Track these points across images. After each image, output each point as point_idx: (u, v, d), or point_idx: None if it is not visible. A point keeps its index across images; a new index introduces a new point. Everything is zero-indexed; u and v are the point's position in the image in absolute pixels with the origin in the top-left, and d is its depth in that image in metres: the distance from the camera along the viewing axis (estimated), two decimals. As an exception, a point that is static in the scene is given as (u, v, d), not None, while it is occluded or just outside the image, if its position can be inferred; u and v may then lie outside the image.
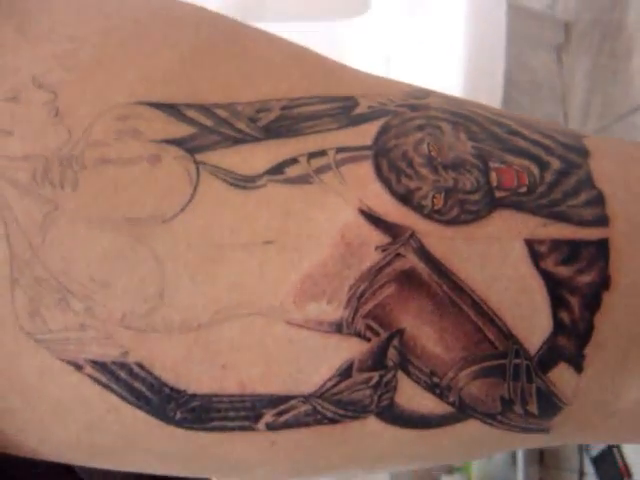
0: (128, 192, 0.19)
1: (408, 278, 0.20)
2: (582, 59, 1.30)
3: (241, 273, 0.19)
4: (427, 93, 0.23)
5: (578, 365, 0.21)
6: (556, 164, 0.22)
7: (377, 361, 0.20)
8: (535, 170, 0.22)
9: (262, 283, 0.19)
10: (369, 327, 0.20)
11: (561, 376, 0.21)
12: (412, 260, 0.20)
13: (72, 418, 0.20)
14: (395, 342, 0.20)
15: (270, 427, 0.20)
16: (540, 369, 0.21)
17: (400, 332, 0.20)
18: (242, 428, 0.20)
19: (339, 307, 0.19)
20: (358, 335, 0.20)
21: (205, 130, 0.19)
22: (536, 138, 0.23)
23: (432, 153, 0.21)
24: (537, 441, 0.24)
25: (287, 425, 0.20)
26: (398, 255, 0.20)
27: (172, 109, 0.19)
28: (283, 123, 0.20)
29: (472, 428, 0.21)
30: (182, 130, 0.19)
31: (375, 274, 0.19)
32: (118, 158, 0.19)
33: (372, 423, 0.20)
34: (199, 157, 0.19)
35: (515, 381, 0.21)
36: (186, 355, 0.19)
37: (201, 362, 0.19)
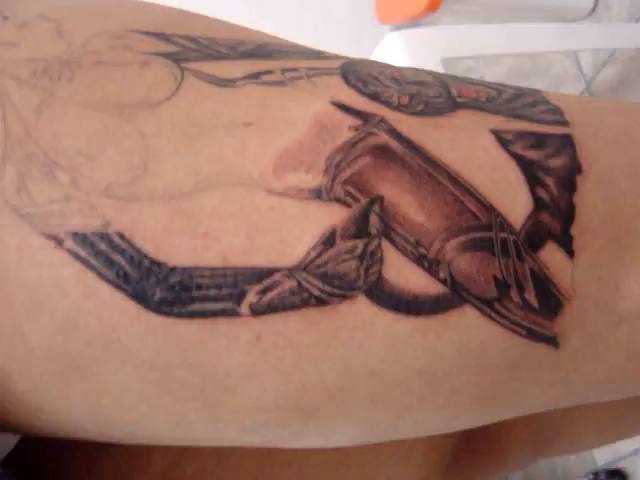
0: (118, 84, 0.20)
1: (382, 151, 0.20)
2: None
3: (222, 148, 0.20)
4: None
5: (567, 247, 0.21)
6: (511, 90, 0.24)
7: (360, 227, 0.20)
8: (492, 92, 0.24)
9: (242, 157, 0.20)
10: (348, 193, 0.20)
11: (553, 258, 0.21)
12: (384, 137, 0.21)
13: (47, 311, 0.19)
14: (376, 208, 0.20)
15: (255, 310, 0.19)
16: (529, 246, 0.20)
17: (380, 199, 0.20)
18: (225, 312, 0.19)
19: (317, 175, 0.20)
20: (338, 201, 0.20)
21: (189, 49, 0.22)
22: (490, 82, 0.25)
23: (395, 75, 0.23)
24: (548, 367, 0.22)
25: (272, 307, 0.19)
26: (370, 133, 0.21)
27: (160, 35, 0.22)
28: (258, 52, 0.23)
29: (470, 320, 0.20)
30: (169, 48, 0.22)
31: (350, 147, 0.20)
32: (111, 61, 0.21)
33: (362, 306, 0.19)
34: (183, 65, 0.21)
35: (505, 257, 0.20)
36: (167, 224, 0.19)
37: (182, 231, 0.19)
